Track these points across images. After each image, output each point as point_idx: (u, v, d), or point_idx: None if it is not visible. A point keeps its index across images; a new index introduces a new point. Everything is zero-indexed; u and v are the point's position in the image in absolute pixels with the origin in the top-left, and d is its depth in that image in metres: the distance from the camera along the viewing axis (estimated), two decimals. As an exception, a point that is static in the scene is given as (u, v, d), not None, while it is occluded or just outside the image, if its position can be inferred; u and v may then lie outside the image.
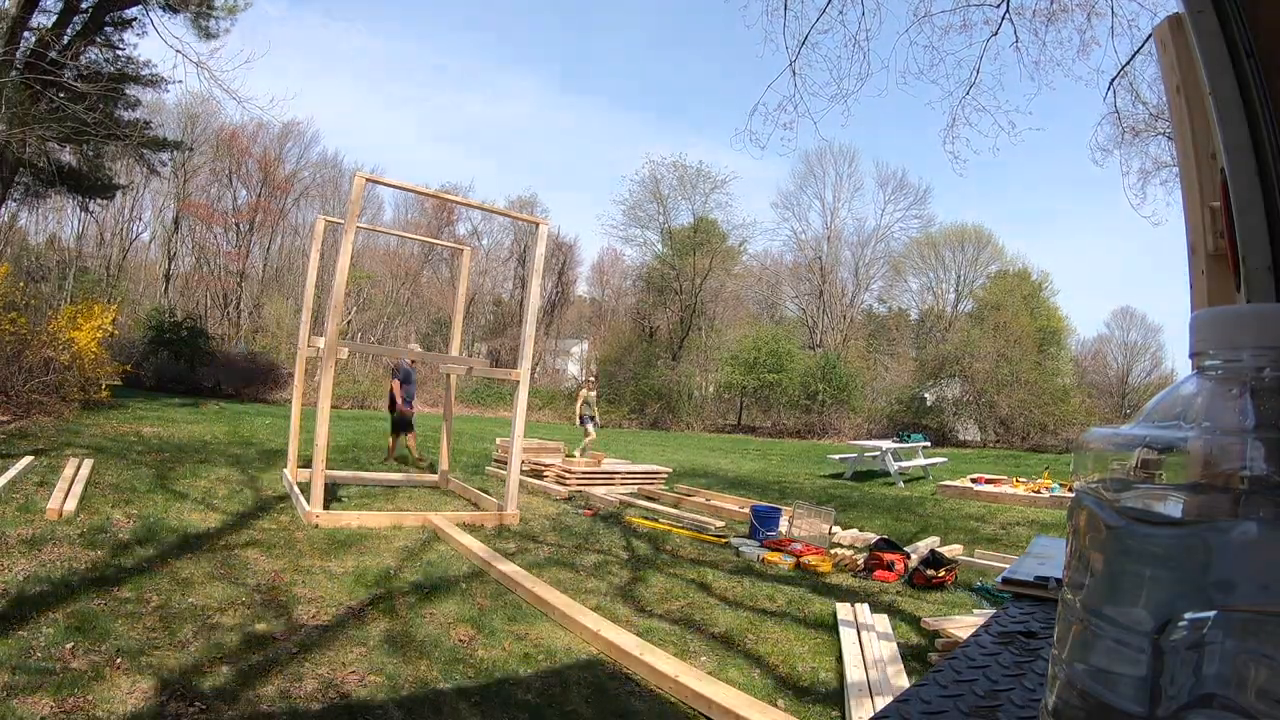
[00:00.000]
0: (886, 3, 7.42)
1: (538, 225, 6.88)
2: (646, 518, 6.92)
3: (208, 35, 13.28)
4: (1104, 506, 0.34)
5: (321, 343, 6.09)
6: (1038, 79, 8.29)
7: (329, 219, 8.35)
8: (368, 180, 5.98)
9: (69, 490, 5.30)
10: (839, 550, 5.73)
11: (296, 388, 7.55)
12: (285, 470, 7.17)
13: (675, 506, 7.76)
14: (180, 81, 15.76)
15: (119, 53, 14.20)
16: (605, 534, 6.09)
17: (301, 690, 2.73)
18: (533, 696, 2.88)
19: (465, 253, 9.14)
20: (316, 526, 5.32)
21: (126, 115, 14.71)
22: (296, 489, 6.27)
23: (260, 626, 3.31)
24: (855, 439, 19.69)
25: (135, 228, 27.96)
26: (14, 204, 16.17)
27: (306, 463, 6.48)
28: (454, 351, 9.01)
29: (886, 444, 11.88)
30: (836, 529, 6.59)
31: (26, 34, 11.70)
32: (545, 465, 9.04)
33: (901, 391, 26.62)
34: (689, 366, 29.28)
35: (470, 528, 5.77)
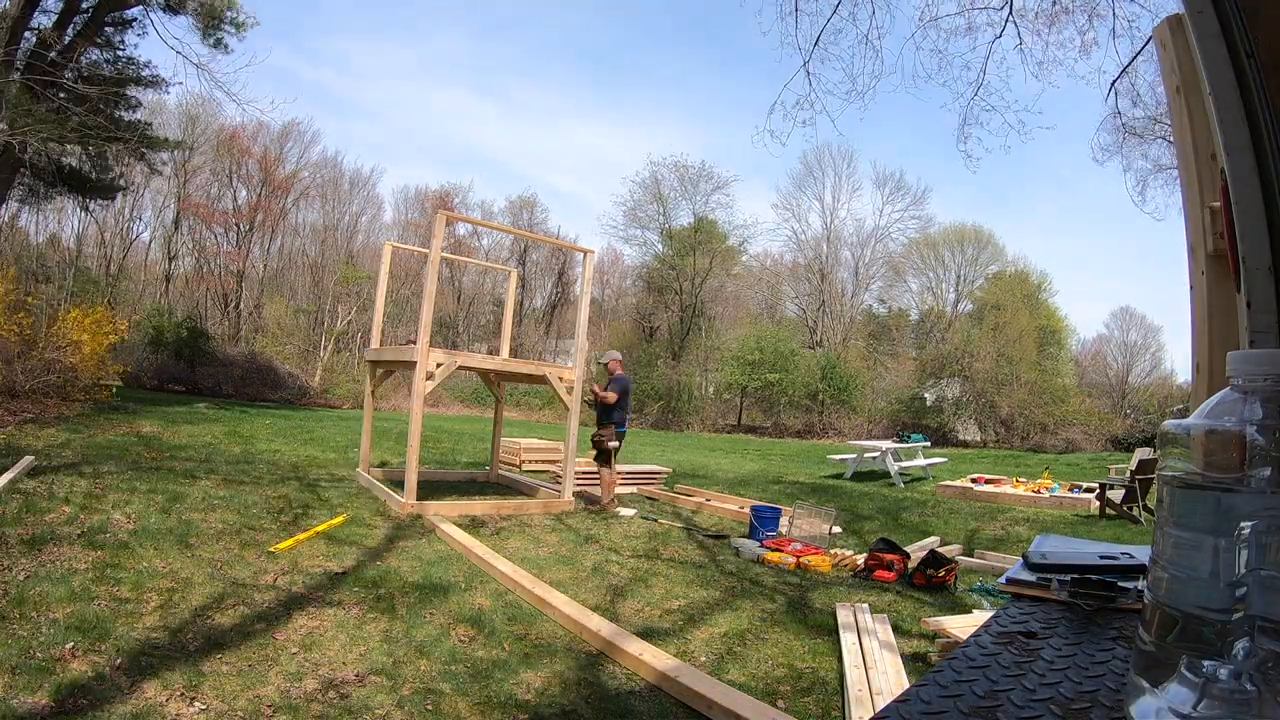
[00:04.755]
0: (894, 5, 7.46)
1: (584, 254, 7.81)
2: (646, 516, 6.93)
3: (218, 44, 13.43)
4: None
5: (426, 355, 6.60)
6: (1042, 79, 8.31)
7: (396, 245, 9.77)
8: (449, 218, 6.72)
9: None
10: (839, 550, 5.73)
11: (367, 398, 8.37)
12: (359, 469, 7.89)
13: (675, 507, 7.77)
14: (180, 83, 15.90)
15: (119, 53, 14.23)
16: (605, 534, 6.09)
17: (301, 690, 2.73)
18: (533, 696, 2.88)
19: (512, 275, 10.16)
20: (418, 516, 6.02)
21: (127, 116, 14.73)
22: (379, 483, 7.11)
23: (260, 626, 3.31)
24: (856, 439, 19.70)
25: (135, 228, 27.97)
26: (15, 204, 16.20)
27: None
28: (504, 354, 9.60)
29: (887, 444, 11.89)
30: (837, 529, 6.59)
31: (27, 34, 11.71)
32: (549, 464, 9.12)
33: (902, 392, 26.61)
34: (689, 367, 29.28)
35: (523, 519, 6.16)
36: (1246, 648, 0.45)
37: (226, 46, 13.38)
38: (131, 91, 14.62)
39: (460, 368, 6.92)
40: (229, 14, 13.35)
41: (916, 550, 5.69)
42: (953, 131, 8.33)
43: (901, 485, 10.92)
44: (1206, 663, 0.46)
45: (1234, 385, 0.50)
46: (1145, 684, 0.50)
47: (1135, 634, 0.53)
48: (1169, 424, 0.51)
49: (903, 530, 7.02)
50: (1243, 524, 0.45)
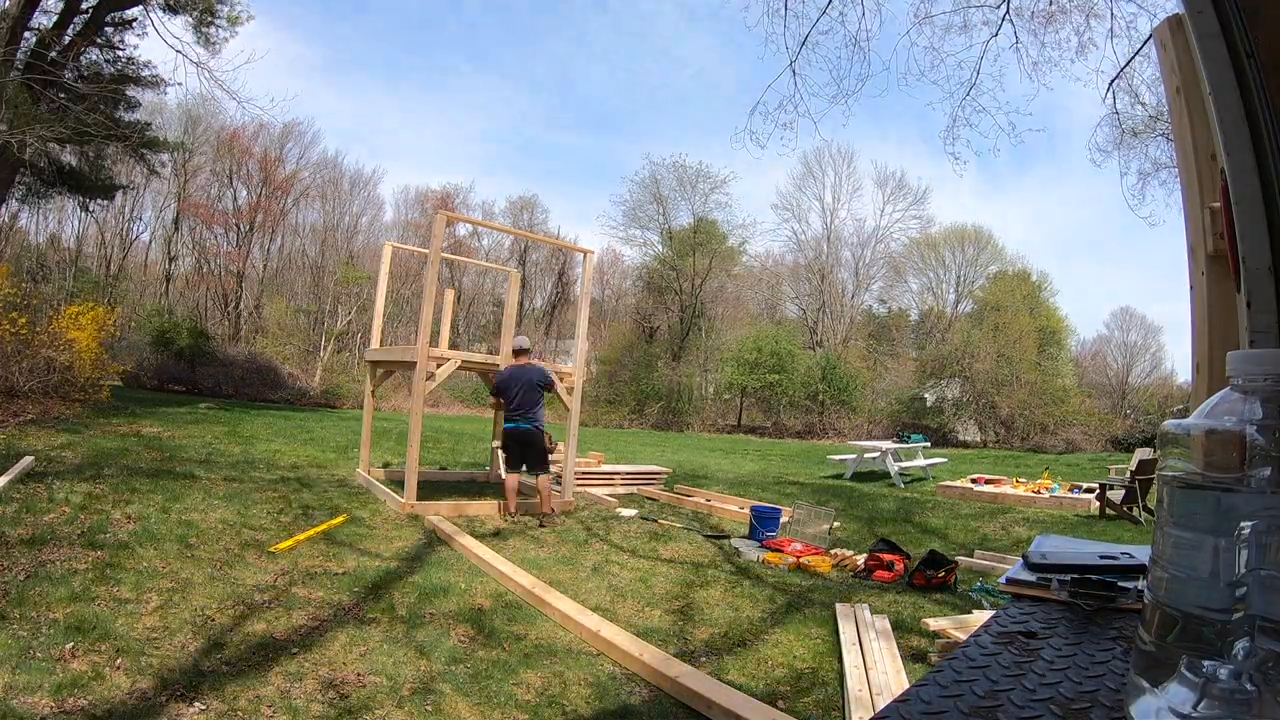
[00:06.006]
0: (887, 4, 7.47)
1: (584, 254, 7.87)
2: (646, 516, 6.92)
3: (208, 42, 13.41)
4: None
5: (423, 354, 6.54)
6: (1037, 80, 8.33)
7: (396, 245, 9.83)
8: (449, 218, 6.75)
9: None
10: (839, 550, 5.73)
11: (367, 398, 8.45)
12: (359, 470, 7.93)
13: (676, 507, 7.76)
14: (180, 84, 15.96)
15: (119, 53, 14.24)
16: (606, 534, 6.09)
17: (301, 690, 2.73)
18: (533, 696, 2.88)
19: (512, 275, 10.00)
20: (418, 517, 6.04)
21: (127, 116, 14.73)
22: (379, 484, 7.13)
23: (260, 626, 3.30)
24: (856, 439, 19.71)
25: (135, 228, 28.00)
26: (15, 203, 16.22)
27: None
28: (505, 354, 9.48)
29: (887, 445, 11.88)
30: (836, 523, 6.60)
31: (27, 34, 11.71)
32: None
33: (902, 392, 26.62)
34: (689, 367, 29.28)
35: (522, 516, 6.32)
36: (1246, 648, 0.45)
37: (209, 39, 13.39)
38: (131, 92, 14.64)
39: (460, 368, 6.92)
40: (221, 8, 13.38)
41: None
42: (941, 132, 8.38)
43: (902, 486, 10.92)
44: (1206, 663, 0.46)
45: (1234, 385, 0.50)
46: (1145, 684, 0.50)
47: (1135, 634, 0.53)
48: (1169, 424, 0.51)
49: (904, 531, 7.01)
50: (1243, 524, 0.45)
